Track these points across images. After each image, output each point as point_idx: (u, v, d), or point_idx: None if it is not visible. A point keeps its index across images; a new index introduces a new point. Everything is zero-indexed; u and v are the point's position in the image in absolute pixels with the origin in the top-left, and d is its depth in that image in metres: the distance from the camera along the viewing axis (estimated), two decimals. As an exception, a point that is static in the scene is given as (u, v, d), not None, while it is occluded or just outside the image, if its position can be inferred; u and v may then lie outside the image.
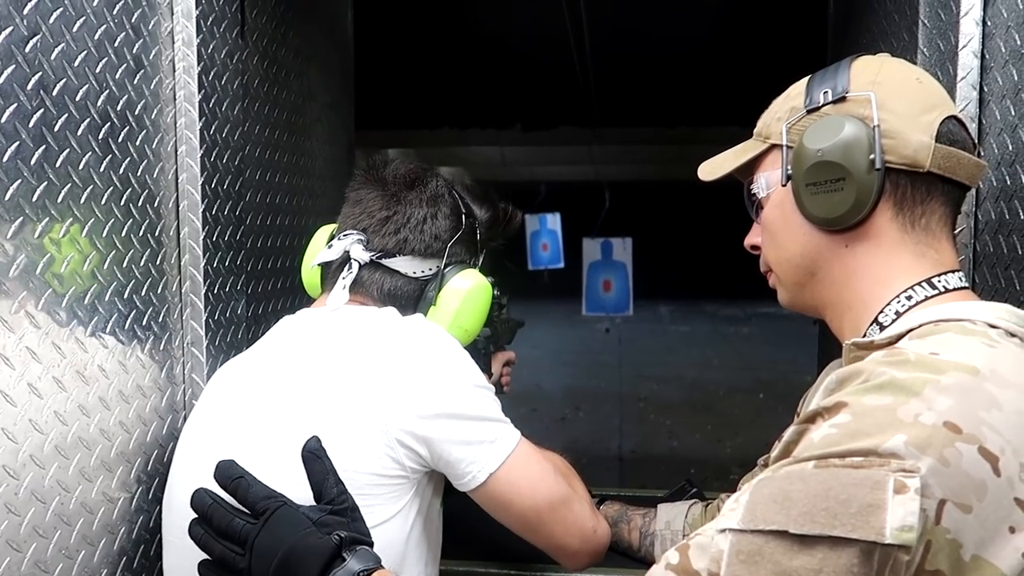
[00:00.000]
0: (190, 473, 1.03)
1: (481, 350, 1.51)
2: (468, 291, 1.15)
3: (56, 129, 0.95)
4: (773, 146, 0.91)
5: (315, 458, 0.93)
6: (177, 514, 1.02)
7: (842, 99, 0.84)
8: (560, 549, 1.08)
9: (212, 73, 1.27)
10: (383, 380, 0.98)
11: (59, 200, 0.96)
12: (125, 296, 1.10)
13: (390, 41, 3.99)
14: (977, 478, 0.63)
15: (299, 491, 0.93)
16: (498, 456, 1.01)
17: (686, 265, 13.34)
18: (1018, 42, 1.01)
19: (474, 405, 1.01)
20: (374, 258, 1.12)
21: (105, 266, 1.05)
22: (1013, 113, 1.01)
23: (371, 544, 0.91)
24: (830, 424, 0.69)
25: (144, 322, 1.14)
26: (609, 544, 1.13)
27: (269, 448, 0.98)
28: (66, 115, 0.97)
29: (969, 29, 1.10)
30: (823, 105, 0.85)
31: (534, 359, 9.01)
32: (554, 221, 7.90)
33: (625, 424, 6.38)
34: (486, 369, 1.54)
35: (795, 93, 0.91)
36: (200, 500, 0.93)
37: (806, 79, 0.91)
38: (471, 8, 3.92)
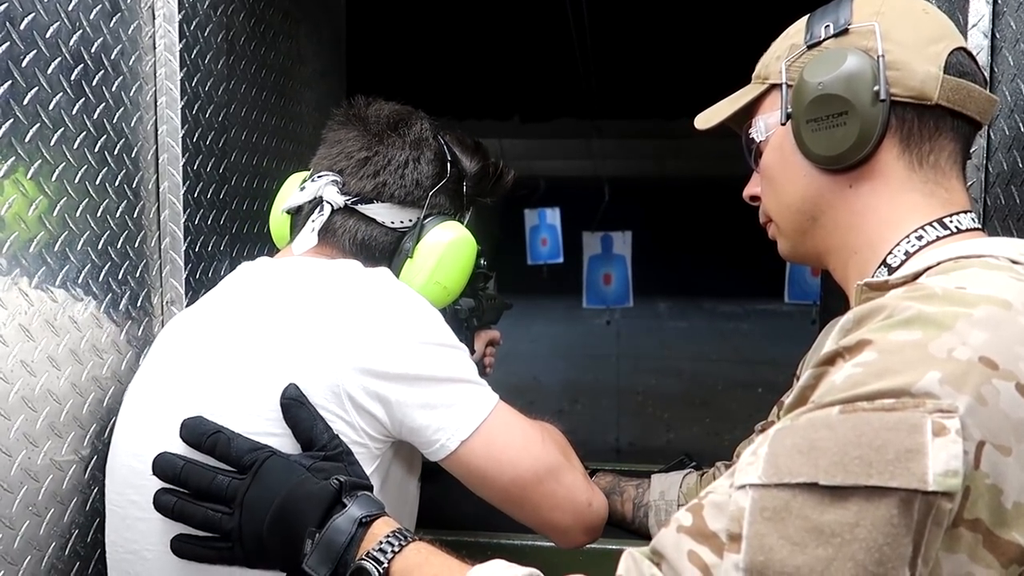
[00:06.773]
0: (136, 438, 0.93)
1: (463, 321, 1.43)
2: (449, 243, 1.05)
3: (24, 65, 0.91)
4: (772, 87, 0.87)
5: (298, 404, 0.85)
6: (121, 483, 0.93)
7: (844, 32, 0.80)
8: (550, 525, 0.97)
9: (194, 23, 1.22)
10: (334, 335, 0.88)
11: (27, 140, 0.91)
12: (99, 247, 1.05)
13: (388, 25, 3.94)
14: (1016, 418, 0.58)
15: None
16: (471, 421, 0.90)
17: (685, 261, 13.30)
18: (1032, -16, 0.97)
19: (437, 365, 0.90)
20: (349, 203, 1.02)
21: (77, 213, 1.01)
22: (1027, 57, 0.97)
23: (371, 488, 0.84)
24: (853, 364, 0.62)
25: (120, 276, 1.10)
26: (607, 519, 1.05)
27: (219, 408, 0.88)
28: (35, 51, 0.92)
29: (980, -24, 1.06)
30: (824, 39, 0.82)
31: (532, 353, 8.97)
32: (553, 216, 7.86)
33: (622, 417, 6.33)
34: (468, 344, 1.47)
35: (794, 31, 0.88)
36: (168, 464, 0.84)
37: (806, 17, 0.87)
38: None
